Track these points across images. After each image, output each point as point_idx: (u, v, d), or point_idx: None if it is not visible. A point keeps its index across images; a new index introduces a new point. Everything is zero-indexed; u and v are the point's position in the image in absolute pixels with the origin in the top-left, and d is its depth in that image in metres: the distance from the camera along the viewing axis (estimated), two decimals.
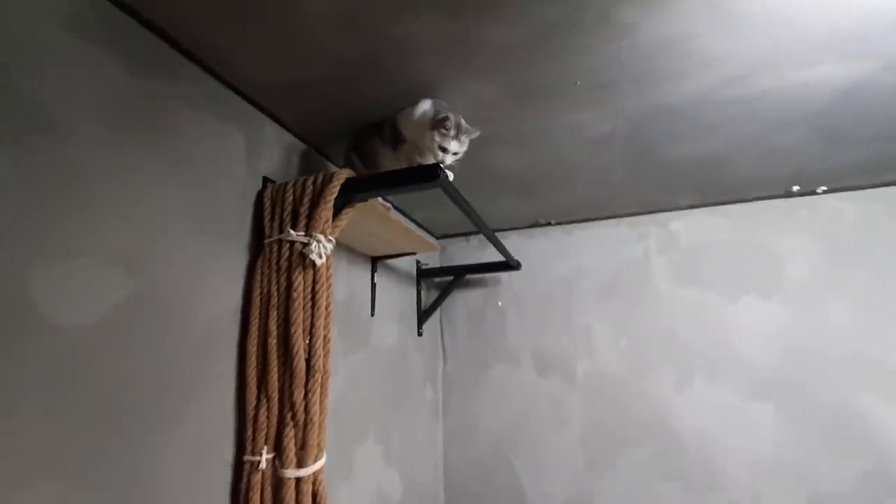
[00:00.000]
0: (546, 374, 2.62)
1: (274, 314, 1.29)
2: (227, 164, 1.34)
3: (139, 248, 1.06)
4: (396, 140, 1.40)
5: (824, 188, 2.31)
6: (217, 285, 1.26)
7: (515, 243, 2.79)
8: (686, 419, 2.34)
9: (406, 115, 1.39)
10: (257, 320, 1.31)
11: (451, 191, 1.37)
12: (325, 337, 1.29)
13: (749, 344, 2.33)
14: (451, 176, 1.39)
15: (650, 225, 2.60)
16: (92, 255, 0.97)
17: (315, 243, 1.28)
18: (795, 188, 2.32)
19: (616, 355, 2.52)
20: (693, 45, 1.24)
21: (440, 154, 1.36)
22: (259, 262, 1.35)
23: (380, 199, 1.62)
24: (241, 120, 1.40)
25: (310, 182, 1.36)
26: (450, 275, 2.60)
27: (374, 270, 2.11)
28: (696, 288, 2.46)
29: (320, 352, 1.26)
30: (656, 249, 2.57)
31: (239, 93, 1.39)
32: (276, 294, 1.30)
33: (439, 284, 2.79)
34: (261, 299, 1.32)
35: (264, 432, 1.24)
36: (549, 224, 2.76)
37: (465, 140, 1.38)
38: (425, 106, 1.36)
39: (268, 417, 1.25)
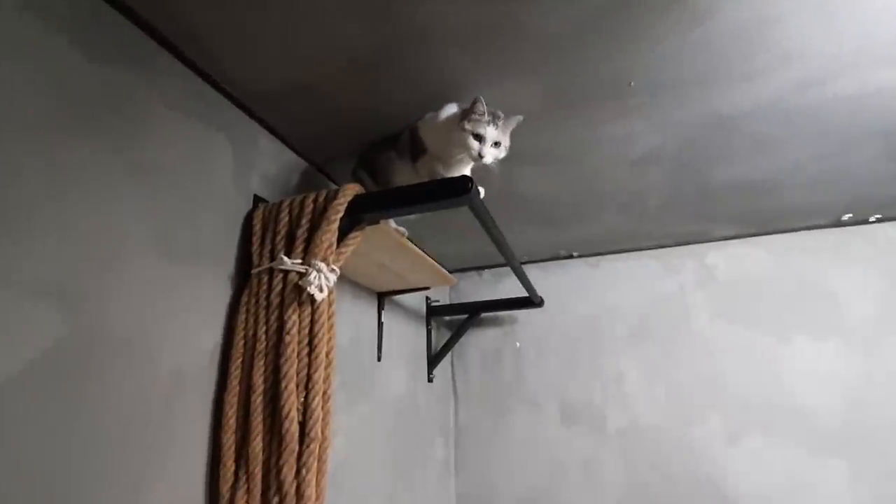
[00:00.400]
0: (573, 425, 2.30)
1: (260, 363, 1.02)
2: (210, 177, 1.10)
3: (83, 276, 0.81)
4: (416, 151, 1.17)
5: (878, 216, 2.09)
6: (188, 326, 1.00)
7: (533, 278, 2.52)
8: (741, 480, 2.02)
9: (428, 120, 1.16)
10: (239, 371, 1.03)
11: (480, 210, 1.13)
12: (324, 393, 1.01)
13: (808, 391, 2.04)
14: (482, 192, 1.15)
15: (684, 258, 2.36)
16: (17, 286, 0.71)
17: (314, 273, 1.02)
18: (846, 216, 2.09)
19: (653, 405, 2.22)
20: (776, 35, 1.03)
21: (475, 146, 1.11)
22: (244, 297, 1.09)
23: (393, 223, 1.37)
24: (230, 127, 1.18)
25: (310, 200, 1.12)
26: (463, 313, 2.33)
27: (380, 308, 1.85)
28: (741, 327, 2.19)
29: (318, 413, 0.98)
30: (693, 284, 2.31)
31: (228, 95, 1.17)
32: (263, 337, 1.04)
33: (451, 324, 2.51)
34: (244, 344, 1.05)
35: None
36: (570, 257, 2.52)
37: (506, 129, 1.15)
38: (452, 109, 1.15)
39: (247, 502, 0.96)
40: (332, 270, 1.07)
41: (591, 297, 2.44)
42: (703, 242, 2.34)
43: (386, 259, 1.47)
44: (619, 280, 2.43)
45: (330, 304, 1.06)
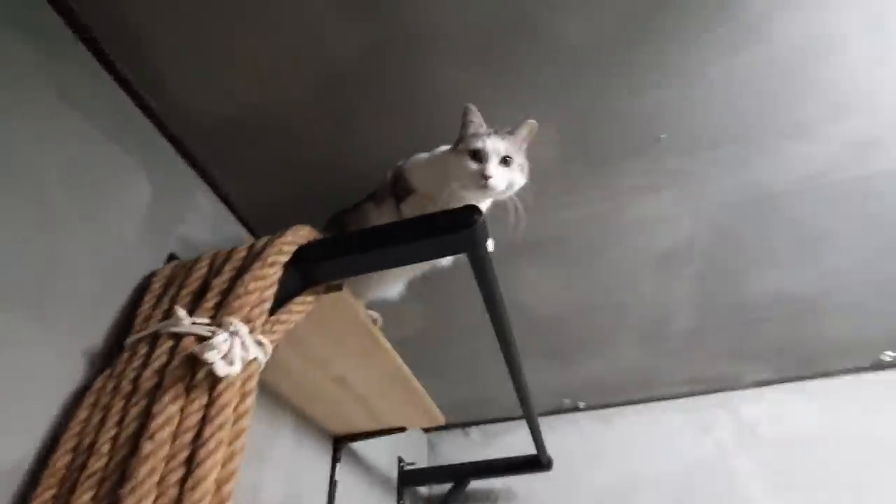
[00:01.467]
0: None
1: (86, 495, 0.53)
2: (106, 215, 0.77)
3: None
4: (402, 191, 0.88)
5: None
6: None
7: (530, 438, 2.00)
8: None
9: (417, 158, 0.90)
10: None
11: (484, 263, 0.79)
12: None
13: None
14: (490, 245, 0.83)
15: (715, 409, 1.93)
16: None
17: (224, 336, 0.62)
18: (888, 355, 1.80)
19: None
20: (831, 67, 0.88)
21: (474, 166, 0.80)
22: (98, 383, 0.65)
23: (363, 307, 0.99)
24: (156, 166, 0.89)
25: (243, 248, 0.78)
26: (447, 479, 1.75)
27: (335, 460, 1.31)
28: (807, 501, 1.66)
29: None
30: (734, 445, 1.84)
31: (161, 125, 0.91)
32: (105, 450, 0.57)
33: (430, 499, 1.87)
34: (72, 457, 0.58)
35: None
36: (576, 409, 2.05)
37: (517, 141, 0.84)
38: (443, 147, 0.90)
39: None
40: (259, 343, 0.66)
41: (610, 462, 1.90)
42: (733, 390, 1.95)
43: (348, 368, 1.04)
44: (640, 439, 1.93)
45: (243, 398, 0.63)
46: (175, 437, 0.57)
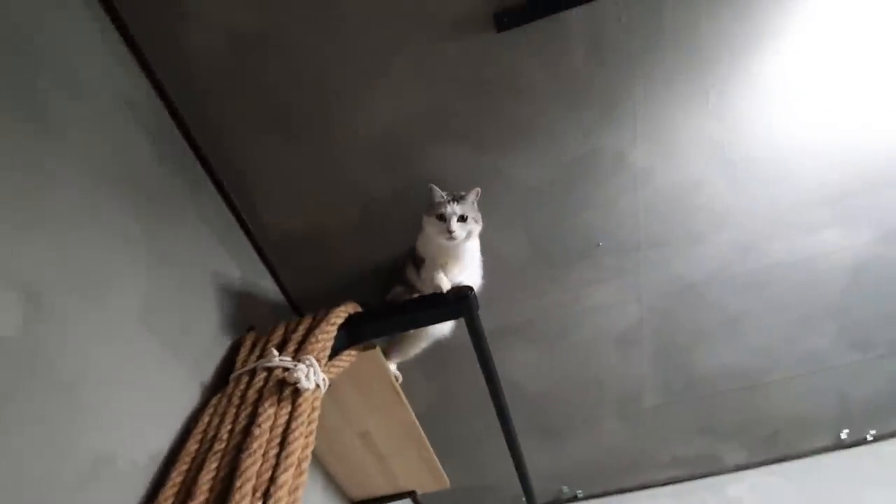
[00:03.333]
0: None
1: (212, 466, 0.81)
2: (214, 289, 1.13)
3: (59, 287, 0.76)
4: (419, 262, 1.23)
5: (874, 433, 2.03)
6: (141, 415, 0.84)
7: None
8: None
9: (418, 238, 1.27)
10: (182, 476, 0.81)
11: (479, 330, 1.13)
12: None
13: None
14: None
15: (702, 492, 2.08)
16: None
17: (304, 366, 0.94)
18: (844, 434, 2.02)
19: None
20: (704, 196, 1.31)
21: (441, 226, 1.11)
22: (214, 400, 0.95)
23: (394, 366, 1.30)
24: (243, 258, 1.28)
25: (308, 317, 1.13)
26: None
27: None
28: None
29: None
30: None
31: (250, 235, 1.31)
32: (225, 437, 0.86)
33: None
34: (199, 448, 0.86)
35: None
36: (575, 499, 2.17)
37: (467, 203, 1.14)
38: None
39: None
40: (324, 373, 0.98)
41: None
42: (718, 474, 2.11)
43: (372, 422, 1.31)
44: None
45: (314, 408, 0.93)
46: (272, 428, 0.86)
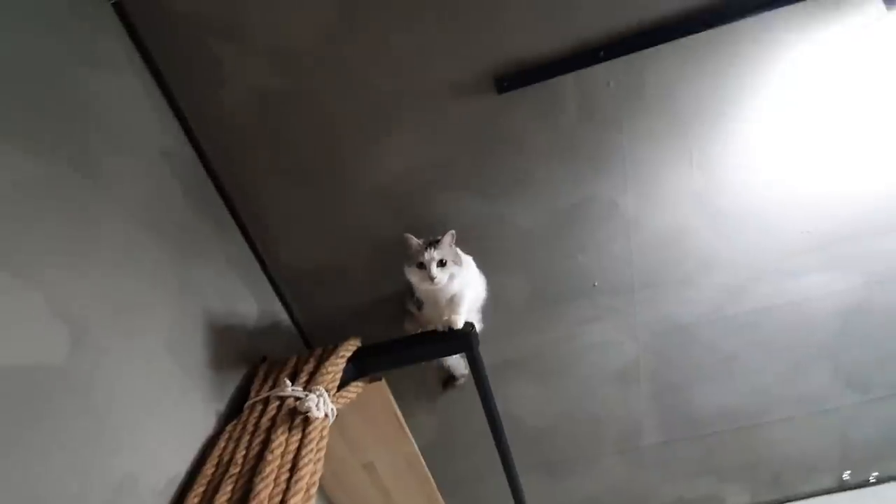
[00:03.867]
0: None
1: (227, 487, 0.87)
2: (233, 321, 1.22)
3: (96, 323, 0.85)
4: (420, 304, 1.31)
5: (876, 474, 2.02)
6: (161, 438, 0.91)
7: None
8: None
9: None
10: (198, 497, 0.87)
11: (479, 363, 1.20)
12: None
13: None
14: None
15: None
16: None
17: (314, 396, 1.02)
18: (846, 475, 2.02)
19: None
20: (690, 242, 1.40)
21: (422, 274, 1.14)
22: (229, 427, 1.02)
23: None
24: (260, 293, 1.37)
25: (317, 350, 1.21)
26: None
27: None
28: None
29: None
30: None
31: (268, 273, 1.41)
32: (240, 461, 0.93)
33: None
34: (215, 471, 0.93)
35: None
36: None
37: (444, 247, 1.16)
38: None
39: None
40: (334, 402, 1.06)
41: None
42: None
43: (377, 454, 1.37)
44: None
45: (322, 431, 1.00)
46: (283, 454, 0.93)
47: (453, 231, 1.18)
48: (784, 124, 1.24)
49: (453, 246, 1.19)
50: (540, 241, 1.39)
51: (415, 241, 1.17)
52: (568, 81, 1.16)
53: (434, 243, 1.15)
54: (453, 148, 1.25)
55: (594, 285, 1.47)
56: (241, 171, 1.27)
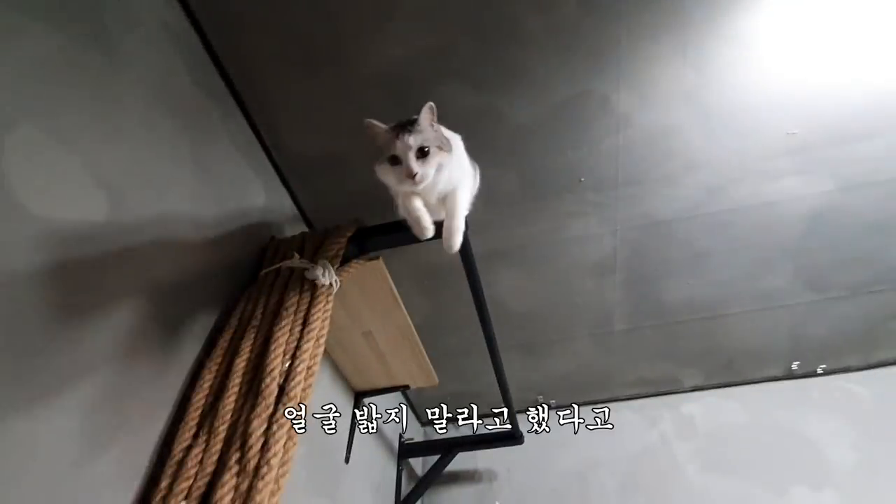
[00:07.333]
0: None
1: (251, 334, 1.04)
2: (243, 199, 1.33)
3: (132, 179, 0.96)
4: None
5: (823, 367, 2.27)
6: (189, 304, 1.06)
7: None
8: None
9: None
10: (227, 342, 1.04)
11: (467, 251, 1.33)
12: (309, 368, 1.01)
13: None
14: None
15: (660, 408, 2.37)
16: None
17: (320, 267, 1.15)
18: (795, 365, 2.27)
19: None
20: (676, 144, 1.46)
21: (396, 171, 0.86)
22: (246, 292, 1.17)
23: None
24: (266, 178, 1.46)
25: (321, 231, 1.32)
26: (438, 452, 2.16)
27: (355, 407, 1.77)
28: (734, 479, 2.07)
29: (300, 378, 0.97)
30: (675, 436, 2.27)
31: (272, 160, 1.48)
32: (260, 315, 1.08)
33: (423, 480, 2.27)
34: (240, 320, 1.09)
35: (188, 482, 0.82)
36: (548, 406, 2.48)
37: (425, 129, 0.85)
38: None
39: (200, 462, 0.85)
40: (337, 274, 1.19)
41: (574, 450, 2.31)
42: (676, 393, 2.40)
43: (374, 323, 1.55)
44: (599, 432, 2.35)
45: (328, 297, 1.14)
46: (296, 312, 1.08)
47: (432, 104, 0.86)
48: (776, 28, 1.24)
49: (435, 125, 0.88)
50: (532, 136, 1.44)
51: (381, 126, 0.87)
52: None
53: (408, 126, 0.84)
54: (453, 36, 1.26)
55: (580, 181, 1.55)
56: (242, 56, 1.28)
